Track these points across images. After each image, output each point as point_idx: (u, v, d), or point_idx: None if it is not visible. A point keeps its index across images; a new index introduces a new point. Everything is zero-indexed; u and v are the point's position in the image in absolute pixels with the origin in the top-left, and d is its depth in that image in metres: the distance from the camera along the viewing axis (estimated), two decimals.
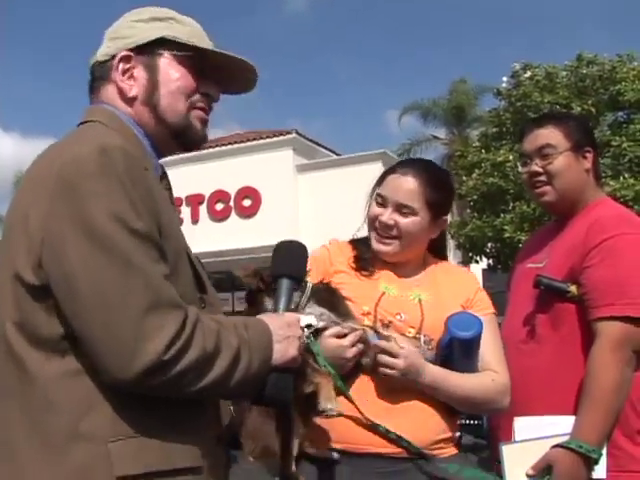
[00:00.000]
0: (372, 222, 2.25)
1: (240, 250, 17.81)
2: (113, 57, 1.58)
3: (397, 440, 1.99)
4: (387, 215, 2.20)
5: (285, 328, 1.51)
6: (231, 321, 1.45)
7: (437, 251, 2.38)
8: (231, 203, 20.37)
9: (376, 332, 2.08)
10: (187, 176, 17.73)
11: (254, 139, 20.75)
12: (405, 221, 2.18)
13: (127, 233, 1.31)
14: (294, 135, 20.57)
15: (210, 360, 1.35)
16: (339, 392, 1.83)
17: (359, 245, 2.31)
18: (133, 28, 1.61)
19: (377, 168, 18.27)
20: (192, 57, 1.60)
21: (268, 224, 18.73)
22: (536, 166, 2.49)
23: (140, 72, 1.58)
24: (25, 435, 1.34)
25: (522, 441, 2.25)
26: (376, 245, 2.24)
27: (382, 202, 2.22)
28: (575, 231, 2.39)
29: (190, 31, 1.63)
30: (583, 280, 2.27)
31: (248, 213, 20.14)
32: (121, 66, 1.57)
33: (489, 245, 16.24)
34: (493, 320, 2.24)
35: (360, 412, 1.99)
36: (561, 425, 2.20)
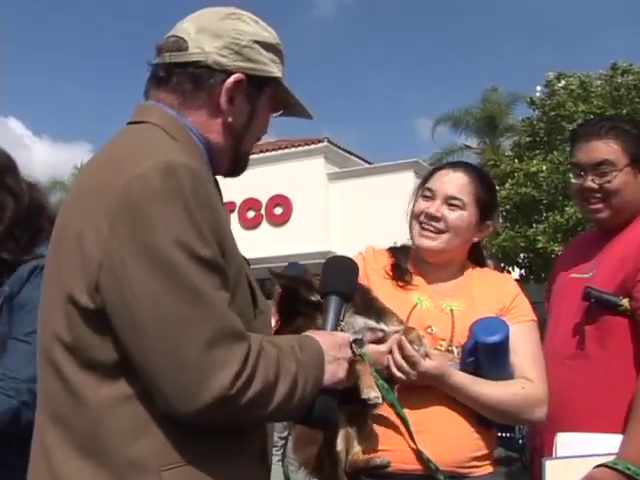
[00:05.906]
0: (417, 216, 2.19)
1: (271, 258, 17.78)
2: (226, 71, 1.48)
3: (430, 466, 1.92)
4: (435, 207, 2.15)
5: (336, 349, 1.45)
6: (289, 343, 1.39)
7: (477, 259, 2.31)
8: (262, 211, 20.40)
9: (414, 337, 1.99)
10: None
11: (286, 147, 20.75)
12: (453, 215, 2.14)
13: (193, 261, 1.23)
14: (326, 143, 20.56)
15: (271, 390, 1.29)
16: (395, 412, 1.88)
17: (397, 253, 2.25)
18: (255, 51, 1.52)
19: (409, 177, 18.24)
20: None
21: (299, 232, 18.75)
22: (592, 182, 2.36)
23: (242, 101, 1.51)
24: (76, 463, 1.28)
25: (565, 457, 2.16)
26: (420, 240, 2.17)
27: (430, 195, 2.18)
28: (627, 242, 2.31)
29: (284, 70, 1.60)
30: (636, 293, 2.19)
31: (279, 221, 20.16)
32: (232, 87, 1.48)
33: (522, 255, 16.10)
34: (533, 328, 2.15)
35: (412, 437, 1.94)
36: (605, 443, 2.12)
